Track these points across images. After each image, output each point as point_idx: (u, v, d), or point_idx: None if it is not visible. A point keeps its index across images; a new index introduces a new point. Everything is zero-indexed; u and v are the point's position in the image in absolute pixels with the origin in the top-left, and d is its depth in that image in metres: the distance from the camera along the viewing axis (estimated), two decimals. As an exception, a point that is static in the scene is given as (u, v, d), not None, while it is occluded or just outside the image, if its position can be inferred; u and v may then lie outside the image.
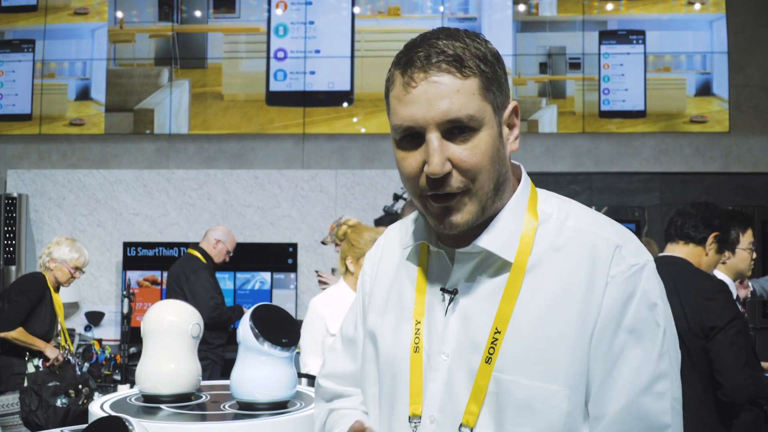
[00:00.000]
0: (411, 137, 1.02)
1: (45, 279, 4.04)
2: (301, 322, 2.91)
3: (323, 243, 5.23)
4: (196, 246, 4.89)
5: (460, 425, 1.03)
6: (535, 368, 1.00)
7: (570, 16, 6.39)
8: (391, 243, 1.24)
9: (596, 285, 1.01)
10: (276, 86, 6.49)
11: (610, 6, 6.41)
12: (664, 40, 6.32)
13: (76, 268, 4.11)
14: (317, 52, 6.49)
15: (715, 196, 6.09)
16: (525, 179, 1.12)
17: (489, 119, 1.02)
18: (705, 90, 6.27)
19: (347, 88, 6.45)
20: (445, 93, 0.98)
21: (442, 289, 1.09)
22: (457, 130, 1.00)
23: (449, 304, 1.08)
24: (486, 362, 1.02)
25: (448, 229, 1.03)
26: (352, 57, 6.45)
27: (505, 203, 1.08)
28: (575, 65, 6.37)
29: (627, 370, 0.99)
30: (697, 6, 6.32)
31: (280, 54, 6.51)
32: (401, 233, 1.22)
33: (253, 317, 2.04)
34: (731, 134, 6.26)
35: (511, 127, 1.07)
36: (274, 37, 6.52)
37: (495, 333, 1.02)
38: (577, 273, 1.02)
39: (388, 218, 4.61)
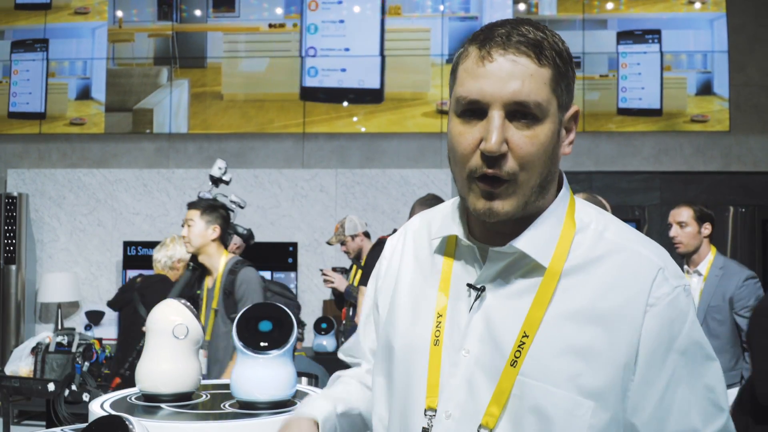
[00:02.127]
0: (471, 113, 1.01)
1: (170, 280, 4.26)
2: (300, 321, 2.90)
3: (328, 243, 5.20)
4: None
5: (480, 426, 1.02)
6: (560, 376, 0.99)
7: (570, 15, 6.39)
8: (417, 231, 1.22)
9: (635, 304, 1.00)
10: (310, 82, 6.46)
11: (610, 5, 6.41)
12: (665, 39, 6.32)
13: None
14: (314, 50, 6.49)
15: (715, 196, 6.10)
16: (566, 185, 1.11)
17: (552, 113, 1.01)
18: (705, 89, 6.27)
19: (347, 86, 6.45)
20: (519, 74, 0.98)
21: (469, 285, 1.08)
22: (520, 114, 0.99)
23: (475, 301, 1.06)
24: (511, 365, 1.01)
25: (488, 216, 1.02)
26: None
27: (546, 205, 1.07)
28: (575, 64, 6.36)
29: (685, 392, 1.01)
30: (698, 5, 6.31)
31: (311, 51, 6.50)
32: (430, 223, 1.20)
33: (241, 320, 2.05)
34: (731, 133, 6.26)
35: (568, 131, 1.07)
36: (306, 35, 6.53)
37: (523, 336, 1.01)
38: (614, 288, 1.01)
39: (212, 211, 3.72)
